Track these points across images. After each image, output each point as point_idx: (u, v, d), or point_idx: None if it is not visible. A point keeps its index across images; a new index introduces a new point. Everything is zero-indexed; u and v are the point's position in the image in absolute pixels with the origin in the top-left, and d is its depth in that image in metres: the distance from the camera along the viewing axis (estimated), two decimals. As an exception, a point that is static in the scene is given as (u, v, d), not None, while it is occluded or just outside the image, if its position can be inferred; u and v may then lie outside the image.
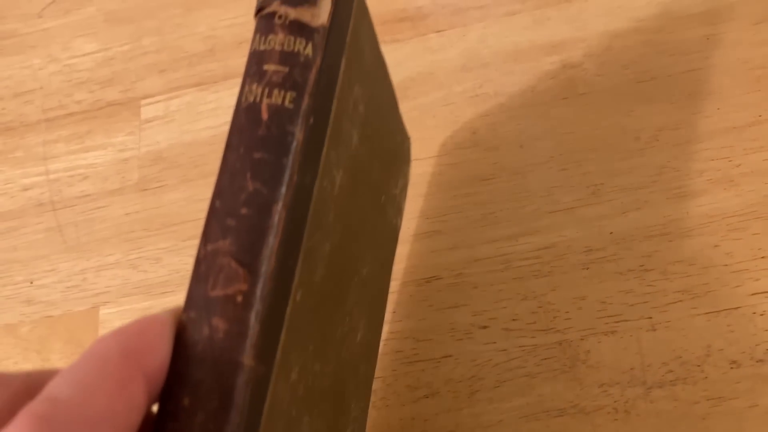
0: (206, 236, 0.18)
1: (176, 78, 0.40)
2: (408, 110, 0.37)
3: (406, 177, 0.32)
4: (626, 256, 0.32)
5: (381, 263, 0.29)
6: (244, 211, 0.17)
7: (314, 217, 0.19)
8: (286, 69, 0.19)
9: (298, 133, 0.18)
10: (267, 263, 0.17)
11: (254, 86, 0.19)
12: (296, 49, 0.19)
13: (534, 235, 0.33)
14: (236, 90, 0.40)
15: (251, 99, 0.19)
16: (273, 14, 0.20)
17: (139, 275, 0.35)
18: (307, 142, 0.18)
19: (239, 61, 0.40)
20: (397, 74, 0.38)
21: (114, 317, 0.35)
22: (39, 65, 0.42)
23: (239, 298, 0.17)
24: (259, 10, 0.20)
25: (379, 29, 0.39)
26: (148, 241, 0.36)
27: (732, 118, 0.34)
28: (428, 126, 0.37)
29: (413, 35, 0.39)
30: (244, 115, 0.19)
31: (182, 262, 0.35)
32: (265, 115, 0.18)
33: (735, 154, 0.33)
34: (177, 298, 0.35)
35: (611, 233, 0.33)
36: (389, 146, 0.29)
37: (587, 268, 0.32)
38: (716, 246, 0.32)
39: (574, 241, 0.33)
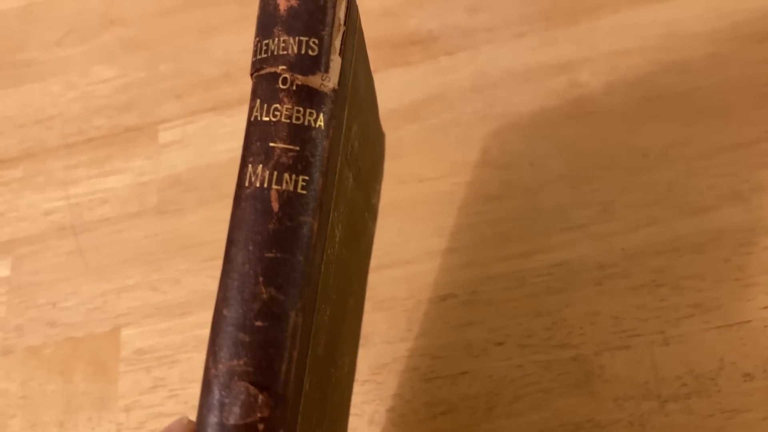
0: (215, 353, 0.16)
1: (193, 103, 0.41)
2: (419, 130, 0.38)
3: (382, 176, 0.29)
4: (638, 271, 0.33)
5: (362, 281, 0.27)
6: (258, 323, 0.15)
7: (321, 294, 0.17)
8: (297, 148, 0.16)
9: (313, 222, 0.16)
10: (288, 381, 0.15)
11: (260, 168, 0.16)
12: (306, 122, 0.16)
13: (547, 252, 0.34)
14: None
15: (257, 184, 0.16)
16: (275, 76, 0.17)
17: (159, 296, 0.36)
18: (319, 229, 0.16)
19: (254, 86, 0.41)
20: (408, 96, 0.39)
21: (135, 338, 0.35)
22: (58, 92, 0.43)
23: (260, 426, 0.15)
24: (256, 69, 0.17)
25: (390, 53, 0.40)
26: (168, 263, 0.37)
27: (739, 134, 0.35)
28: (440, 146, 0.37)
29: (424, 58, 0.40)
30: (251, 204, 0.16)
31: (201, 283, 0.36)
32: (275, 206, 0.16)
33: (743, 170, 0.34)
34: (196, 319, 0.35)
35: (623, 249, 0.33)
36: (373, 161, 0.26)
37: (600, 284, 0.33)
38: (727, 260, 0.32)
39: (587, 257, 0.33)
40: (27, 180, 0.41)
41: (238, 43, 0.42)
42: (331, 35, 0.17)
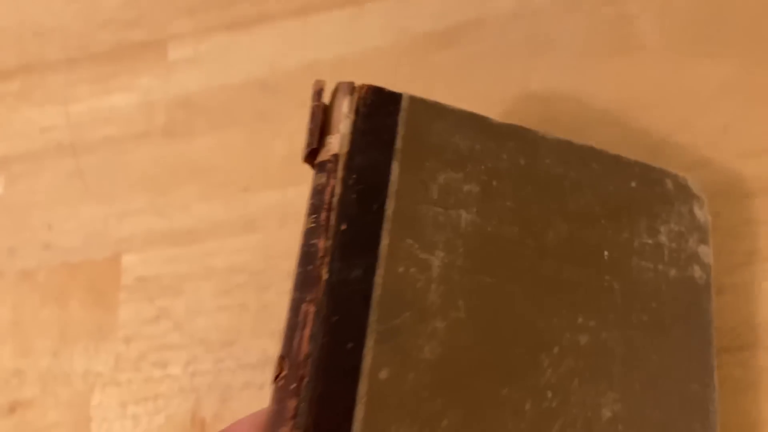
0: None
1: (206, 19, 0.38)
2: (456, 57, 0.35)
3: (686, 218, 0.27)
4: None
5: (643, 328, 0.24)
6: (289, 315, 0.21)
7: (389, 301, 0.21)
8: (312, 200, 0.23)
9: (318, 242, 0.22)
10: (299, 351, 0.20)
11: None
12: (318, 184, 0.23)
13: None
14: (272, 32, 0.38)
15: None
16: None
17: (165, 222, 0.33)
18: (338, 245, 0.22)
19: (276, 6, 0.38)
20: (443, 21, 0.36)
21: (137, 265, 0.33)
22: (60, 4, 0.40)
23: (280, 383, 0.20)
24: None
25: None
26: (175, 188, 0.34)
27: (802, 75, 0.32)
28: (476, 76, 0.35)
29: (460, -18, 0.37)
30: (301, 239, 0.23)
31: (211, 209, 0.33)
32: (302, 238, 0.22)
33: (806, 113, 0.31)
34: (205, 247, 0.33)
35: (673, 191, 0.31)
36: (604, 194, 0.27)
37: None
38: (786, 208, 0.30)
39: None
40: (24, 94, 0.38)
41: (258, -41, 0.39)
42: (321, 121, 0.24)
